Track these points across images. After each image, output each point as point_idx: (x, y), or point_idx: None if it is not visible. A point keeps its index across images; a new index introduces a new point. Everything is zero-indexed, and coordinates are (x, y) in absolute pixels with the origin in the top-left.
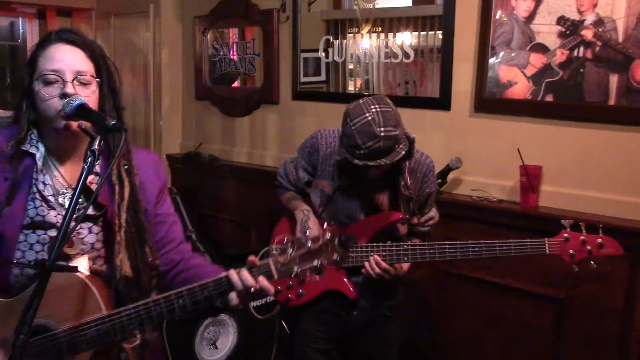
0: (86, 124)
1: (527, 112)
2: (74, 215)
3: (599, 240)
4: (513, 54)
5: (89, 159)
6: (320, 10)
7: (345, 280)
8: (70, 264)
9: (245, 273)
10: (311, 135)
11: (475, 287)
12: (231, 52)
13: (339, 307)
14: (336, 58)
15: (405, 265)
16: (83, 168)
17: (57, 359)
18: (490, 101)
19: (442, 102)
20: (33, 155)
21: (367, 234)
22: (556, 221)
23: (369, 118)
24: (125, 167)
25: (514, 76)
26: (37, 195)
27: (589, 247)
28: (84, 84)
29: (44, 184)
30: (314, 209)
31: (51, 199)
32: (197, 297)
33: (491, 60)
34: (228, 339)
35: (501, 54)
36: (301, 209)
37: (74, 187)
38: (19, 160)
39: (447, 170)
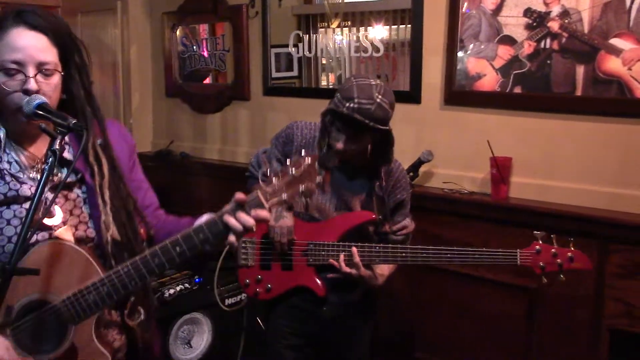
0: (47, 124)
1: (496, 104)
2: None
3: (570, 254)
4: (481, 47)
5: (50, 159)
6: (291, 6)
7: (315, 277)
8: (28, 268)
9: (241, 214)
10: (287, 125)
11: (449, 278)
12: (202, 49)
13: (309, 303)
14: (306, 53)
15: (386, 269)
16: (44, 169)
17: (63, 332)
18: (460, 94)
19: (413, 96)
20: None
21: (338, 232)
22: (526, 212)
23: (372, 83)
24: (100, 142)
25: (483, 68)
26: (4, 172)
27: (559, 261)
28: (47, 75)
29: (9, 162)
30: None
31: (20, 174)
32: (193, 242)
33: (460, 53)
34: (202, 337)
35: (470, 46)
36: None
37: (42, 160)
38: None
39: (418, 163)
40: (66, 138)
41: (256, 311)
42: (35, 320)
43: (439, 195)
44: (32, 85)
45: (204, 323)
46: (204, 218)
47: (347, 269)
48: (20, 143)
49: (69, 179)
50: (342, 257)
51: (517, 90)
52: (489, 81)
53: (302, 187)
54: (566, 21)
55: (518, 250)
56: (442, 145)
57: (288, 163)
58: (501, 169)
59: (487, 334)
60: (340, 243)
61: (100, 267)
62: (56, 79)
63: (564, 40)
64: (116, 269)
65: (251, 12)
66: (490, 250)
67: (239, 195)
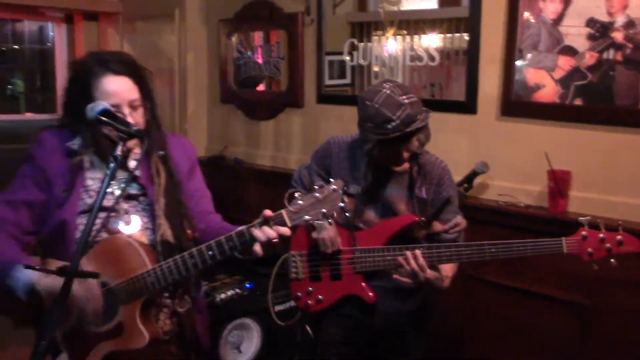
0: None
1: (556, 115)
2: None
3: (619, 237)
4: (541, 57)
5: (112, 164)
6: (345, 13)
7: (363, 284)
8: (88, 271)
9: (265, 228)
10: (325, 141)
11: (499, 292)
12: (256, 55)
13: (360, 311)
14: (361, 61)
15: (449, 270)
16: (106, 173)
17: (115, 310)
18: (518, 105)
19: (468, 106)
20: (84, 157)
21: (383, 238)
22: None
23: (388, 92)
24: (161, 154)
25: (542, 79)
26: (90, 188)
27: (608, 245)
28: (135, 108)
29: (93, 180)
30: None
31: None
32: (223, 248)
33: (518, 63)
34: (252, 343)
35: (528, 56)
36: None
37: (118, 177)
38: (73, 159)
39: (473, 174)
40: (138, 154)
41: (306, 320)
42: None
43: (494, 208)
44: (130, 120)
45: (253, 329)
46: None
47: (415, 267)
48: (102, 164)
49: (135, 192)
50: (409, 254)
51: (578, 102)
52: (548, 92)
53: (324, 209)
54: (631, 32)
55: (563, 238)
56: (497, 157)
57: (315, 186)
58: (559, 182)
59: (538, 351)
60: (386, 246)
61: (150, 262)
62: (141, 109)
63: (628, 51)
64: (161, 264)
65: (307, 19)
66: (534, 240)
67: (266, 212)
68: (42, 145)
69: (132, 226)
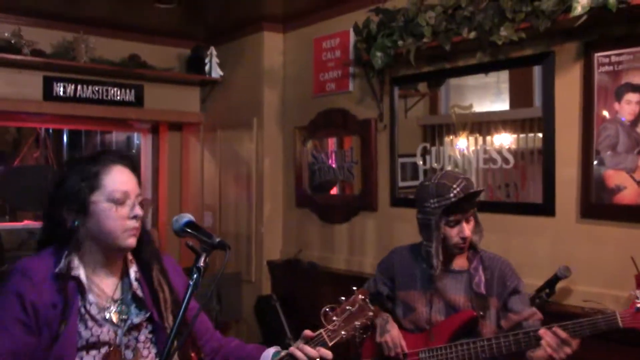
0: (194, 242)
1: None
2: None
3: None
4: (620, 158)
5: (195, 275)
6: (416, 117)
7: None
8: None
9: (306, 347)
10: (388, 253)
11: None
12: (330, 160)
13: None
14: (434, 165)
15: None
16: (189, 284)
17: None
18: (598, 207)
19: (546, 208)
20: (76, 278)
21: (445, 337)
22: None
23: (444, 171)
24: (160, 270)
25: (623, 181)
26: (87, 316)
27: None
28: (140, 205)
29: (90, 304)
30: (398, 321)
31: (99, 317)
32: None
33: (596, 164)
34: None
35: (607, 158)
36: (380, 316)
37: (115, 299)
38: (65, 285)
39: (555, 279)
40: (137, 274)
41: None
42: None
43: (580, 315)
44: (140, 211)
45: None
46: (271, 350)
47: (562, 355)
48: (97, 275)
49: (138, 319)
50: (547, 333)
51: None
52: (630, 194)
53: (356, 324)
54: None
55: (617, 311)
56: (580, 261)
57: (344, 300)
58: None
59: None
60: (451, 344)
61: None
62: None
63: None
64: None
65: (379, 125)
66: (589, 318)
67: (306, 332)
68: (29, 279)
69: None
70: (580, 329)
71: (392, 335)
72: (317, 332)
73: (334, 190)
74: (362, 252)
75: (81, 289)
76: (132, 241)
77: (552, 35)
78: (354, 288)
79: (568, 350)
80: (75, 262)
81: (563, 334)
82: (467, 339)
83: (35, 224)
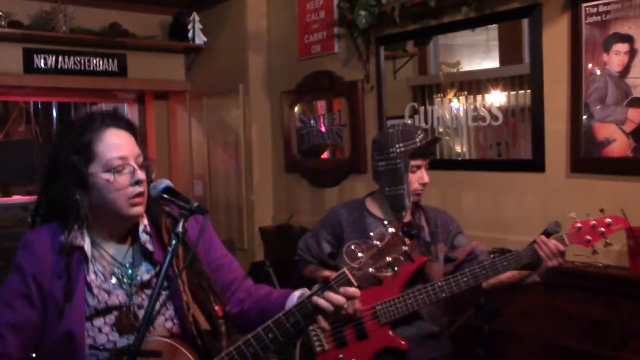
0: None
1: (630, 170)
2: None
3: (607, 220)
4: (609, 110)
5: (174, 241)
6: (406, 78)
7: (391, 334)
8: (152, 350)
9: (330, 294)
10: (330, 210)
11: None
12: (319, 124)
13: None
14: (422, 124)
15: None
16: (167, 251)
17: None
18: (588, 161)
19: (536, 164)
20: (81, 248)
21: (398, 286)
22: None
23: (402, 124)
24: (170, 221)
25: (612, 133)
26: (93, 284)
27: (601, 229)
28: (141, 166)
29: (95, 274)
30: None
31: (105, 285)
32: (285, 327)
33: (585, 118)
34: None
35: (595, 111)
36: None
37: (121, 262)
38: (70, 256)
39: (545, 235)
40: (147, 227)
41: None
42: None
43: (571, 270)
44: (141, 175)
45: None
46: (296, 294)
47: (556, 262)
48: (104, 242)
49: (150, 275)
50: (539, 240)
51: None
52: (620, 146)
53: (388, 259)
54: None
55: (563, 234)
56: (570, 216)
57: (371, 235)
58: (639, 239)
59: None
60: (405, 292)
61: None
62: (144, 170)
63: None
64: None
65: (366, 87)
66: (513, 252)
67: (326, 273)
68: (31, 252)
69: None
70: (535, 252)
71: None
72: (339, 272)
73: (323, 155)
74: None
75: (86, 259)
76: (137, 210)
77: None
78: (385, 222)
79: (561, 260)
80: (79, 232)
81: (561, 246)
82: (420, 285)
83: (26, 199)
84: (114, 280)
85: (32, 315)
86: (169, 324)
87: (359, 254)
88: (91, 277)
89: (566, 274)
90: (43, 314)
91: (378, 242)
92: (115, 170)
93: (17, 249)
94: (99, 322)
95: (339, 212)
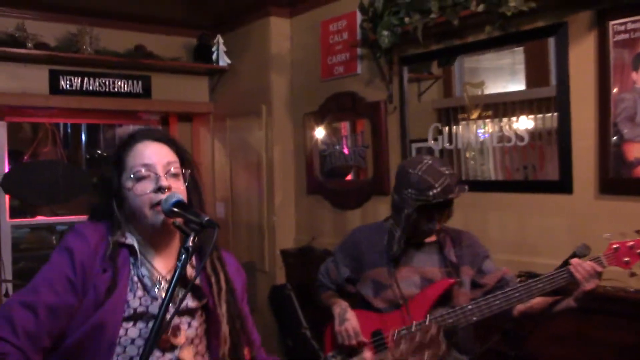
0: (179, 221)
1: None
2: (175, 307)
3: None
4: (638, 130)
5: (183, 256)
6: (431, 100)
7: None
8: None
9: None
10: (349, 233)
11: None
12: (342, 146)
13: None
14: (446, 145)
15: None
16: (177, 265)
17: None
18: (617, 181)
19: (563, 185)
20: (130, 247)
21: (425, 308)
22: None
23: (430, 162)
24: (217, 257)
25: None
26: (138, 285)
27: (639, 251)
28: (175, 175)
29: (143, 276)
30: (367, 300)
31: (151, 290)
32: None
33: (614, 139)
34: None
35: (625, 130)
36: (338, 304)
37: (168, 278)
38: (117, 252)
39: (573, 258)
40: (193, 260)
41: None
42: None
43: (601, 295)
44: (164, 182)
45: None
46: None
47: (593, 284)
48: (151, 251)
49: (193, 304)
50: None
51: None
52: None
53: (426, 355)
54: None
55: (600, 255)
56: (600, 239)
57: (417, 326)
58: None
59: None
60: (431, 317)
61: None
62: (181, 180)
63: None
64: None
65: (389, 107)
66: (548, 274)
67: (368, 355)
68: (84, 240)
69: (179, 339)
70: (569, 275)
71: (352, 324)
72: (383, 355)
73: (349, 177)
74: None
75: (134, 258)
76: (163, 217)
77: (563, 4)
78: (428, 316)
79: (598, 281)
80: (129, 232)
81: (598, 267)
82: (444, 311)
83: (51, 219)
84: (156, 291)
85: (73, 301)
86: (198, 358)
87: (402, 344)
88: (137, 276)
89: (597, 298)
90: (81, 303)
91: (422, 337)
92: (140, 177)
93: (69, 234)
94: (134, 332)
95: (357, 234)
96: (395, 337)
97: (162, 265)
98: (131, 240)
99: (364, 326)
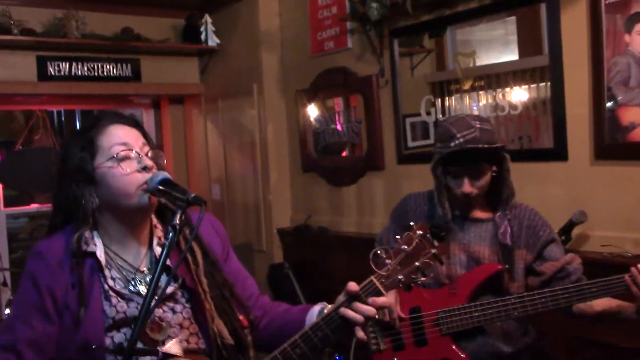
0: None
1: None
2: (155, 297)
3: None
4: (633, 93)
5: (170, 234)
6: (424, 74)
7: (453, 347)
8: (161, 350)
9: (359, 305)
10: (401, 200)
11: (613, 355)
12: (336, 122)
13: None
14: (439, 117)
15: None
16: (164, 244)
17: None
18: (612, 147)
19: (558, 153)
20: (93, 254)
21: (465, 293)
22: None
23: (464, 115)
24: (189, 229)
25: (637, 117)
26: (111, 293)
27: None
28: (150, 157)
29: (113, 279)
30: None
31: (125, 292)
32: (313, 341)
33: (608, 103)
34: None
35: (619, 95)
36: None
37: (141, 269)
38: (82, 263)
39: (570, 225)
40: (157, 242)
41: None
42: None
43: (598, 261)
44: (148, 161)
45: None
46: (316, 309)
47: None
48: (118, 245)
49: (171, 289)
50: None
51: None
52: None
53: (417, 263)
54: None
55: (625, 275)
56: (596, 205)
57: (398, 239)
58: None
59: None
60: (472, 304)
61: None
62: (154, 164)
63: None
64: None
65: (381, 81)
66: (604, 279)
67: (351, 286)
68: (44, 259)
69: (162, 334)
70: (597, 290)
71: (388, 298)
72: (367, 281)
73: (344, 153)
74: (371, 213)
75: (99, 266)
76: (147, 198)
77: None
78: (411, 224)
79: None
80: (90, 237)
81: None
82: (491, 297)
83: (45, 207)
84: (132, 288)
85: (50, 329)
86: (194, 339)
87: (387, 261)
88: (109, 284)
89: (594, 265)
90: (60, 327)
91: (405, 247)
92: (119, 157)
93: (29, 258)
94: (119, 337)
95: (407, 201)
96: (372, 255)
97: (135, 255)
98: (94, 247)
99: (403, 302)
